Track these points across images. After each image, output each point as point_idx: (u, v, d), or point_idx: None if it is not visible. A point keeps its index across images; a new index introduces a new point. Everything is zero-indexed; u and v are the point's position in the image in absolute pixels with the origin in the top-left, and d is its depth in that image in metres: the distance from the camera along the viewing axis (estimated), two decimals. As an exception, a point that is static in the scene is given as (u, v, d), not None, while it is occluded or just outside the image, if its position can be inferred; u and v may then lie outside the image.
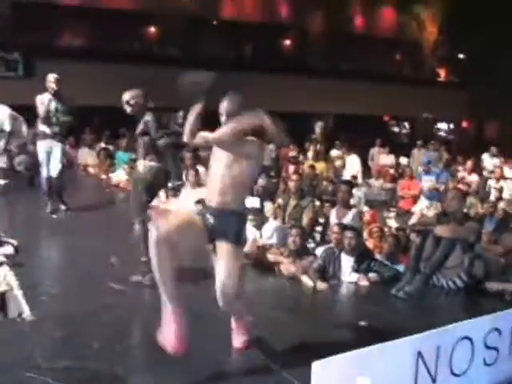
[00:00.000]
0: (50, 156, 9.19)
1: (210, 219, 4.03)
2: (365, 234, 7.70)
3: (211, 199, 4.08)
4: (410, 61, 27.26)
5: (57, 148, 9.16)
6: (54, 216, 9.26)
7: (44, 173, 9.27)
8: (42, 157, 9.21)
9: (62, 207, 9.54)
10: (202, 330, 4.52)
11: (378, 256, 7.07)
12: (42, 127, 9.16)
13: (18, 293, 5.84)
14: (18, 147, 10.36)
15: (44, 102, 9.06)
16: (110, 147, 15.39)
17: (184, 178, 10.45)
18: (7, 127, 9.45)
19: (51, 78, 9.20)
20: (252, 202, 7.87)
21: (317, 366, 2.30)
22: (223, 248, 3.99)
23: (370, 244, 7.49)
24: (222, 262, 3.98)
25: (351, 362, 2.33)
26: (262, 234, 7.46)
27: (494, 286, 6.43)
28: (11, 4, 18.89)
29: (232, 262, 3.97)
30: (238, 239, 4.03)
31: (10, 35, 18.90)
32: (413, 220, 9.07)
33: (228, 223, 4.00)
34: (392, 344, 2.43)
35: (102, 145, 15.64)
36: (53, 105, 9.03)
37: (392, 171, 13.45)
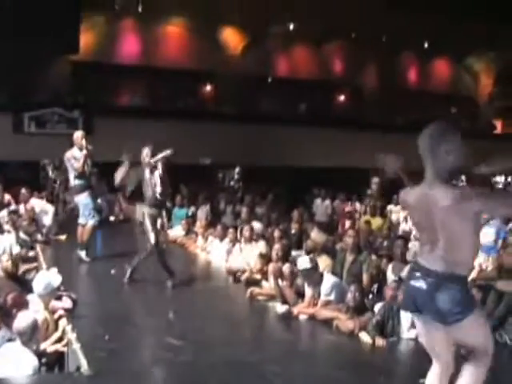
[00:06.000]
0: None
1: None
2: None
3: None
4: (464, 114, 26.99)
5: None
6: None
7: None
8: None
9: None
10: None
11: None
12: (79, 181, 9.70)
13: (77, 347, 5.88)
14: None
15: (77, 156, 9.50)
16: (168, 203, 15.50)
17: (238, 232, 10.51)
18: None
19: (79, 134, 9.70)
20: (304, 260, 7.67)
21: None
22: None
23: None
24: None
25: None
26: (321, 291, 7.38)
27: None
28: (72, 64, 19.80)
29: None
30: None
31: (70, 94, 19.78)
32: (473, 275, 8.85)
33: None
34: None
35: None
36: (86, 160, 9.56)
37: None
